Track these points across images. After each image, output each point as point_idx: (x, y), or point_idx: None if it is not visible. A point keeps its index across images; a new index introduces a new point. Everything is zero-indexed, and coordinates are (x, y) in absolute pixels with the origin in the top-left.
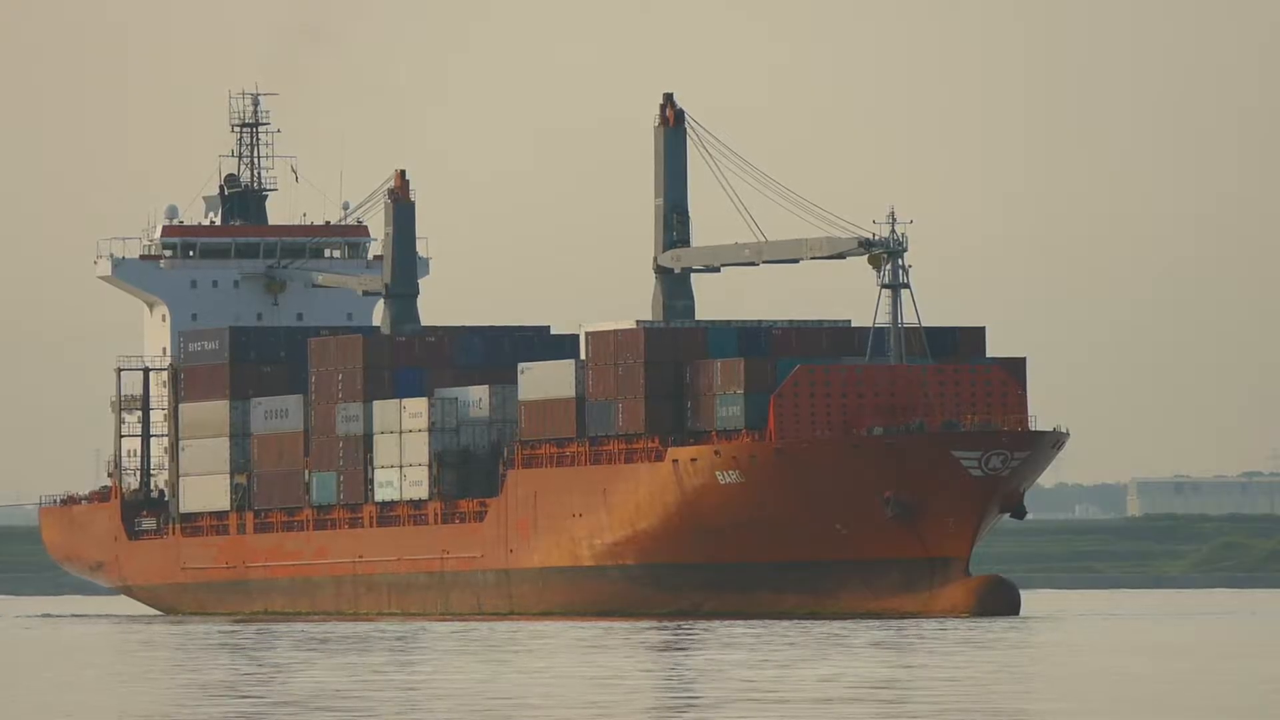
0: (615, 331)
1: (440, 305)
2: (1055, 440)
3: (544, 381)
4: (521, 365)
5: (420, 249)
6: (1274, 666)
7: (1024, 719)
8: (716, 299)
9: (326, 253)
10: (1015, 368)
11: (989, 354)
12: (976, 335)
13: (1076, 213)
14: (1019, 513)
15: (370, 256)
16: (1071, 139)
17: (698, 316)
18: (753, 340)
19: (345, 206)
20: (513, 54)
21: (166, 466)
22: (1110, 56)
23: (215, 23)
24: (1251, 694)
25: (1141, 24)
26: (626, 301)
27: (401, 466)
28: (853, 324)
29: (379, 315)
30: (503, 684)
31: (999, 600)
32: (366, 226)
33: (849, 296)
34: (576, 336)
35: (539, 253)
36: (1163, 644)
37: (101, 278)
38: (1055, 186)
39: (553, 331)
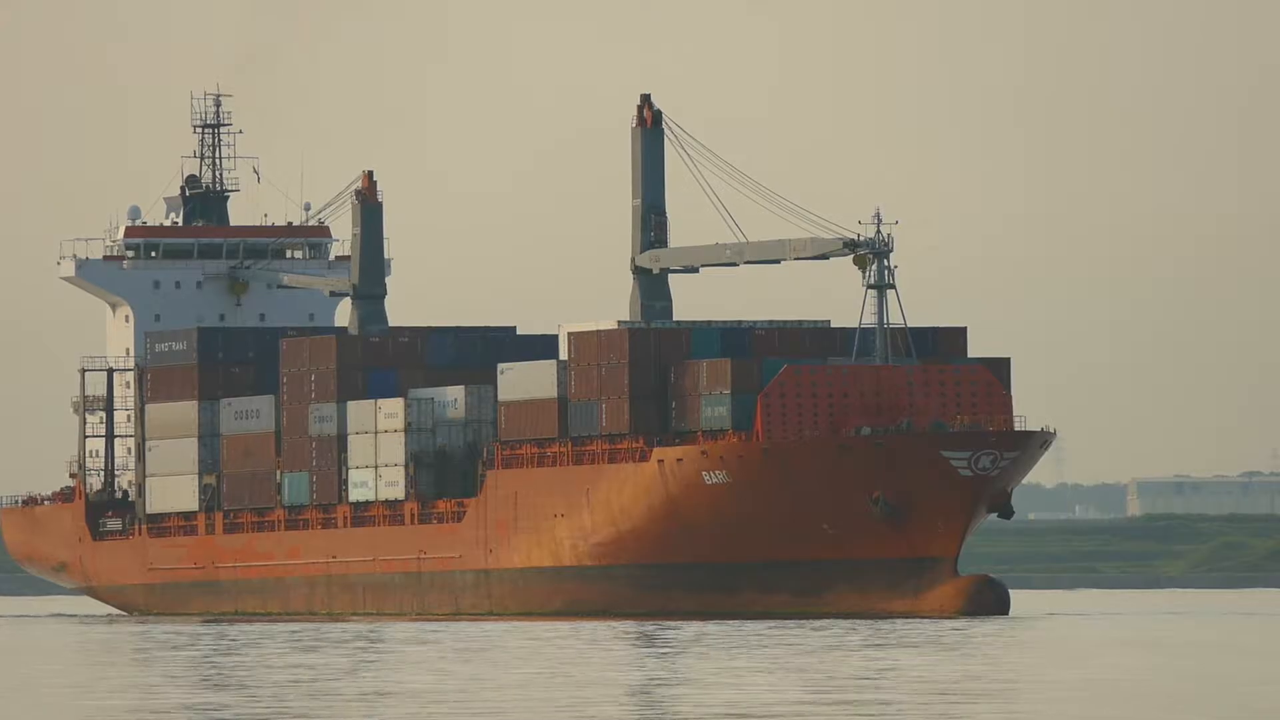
0: (598, 332)
1: (404, 306)
2: (1043, 440)
3: (525, 382)
4: (501, 366)
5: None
6: (1220, 668)
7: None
8: (693, 300)
9: (288, 253)
10: (1000, 368)
11: (971, 354)
12: (957, 336)
13: (1077, 212)
14: (1006, 512)
15: (332, 257)
16: (1068, 136)
17: (675, 317)
18: (736, 341)
19: (307, 207)
20: (486, 53)
21: (131, 467)
22: (1101, 52)
23: (183, 23)
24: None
25: (1137, 18)
26: (600, 302)
27: (377, 467)
28: (832, 324)
29: (342, 316)
30: (478, 684)
31: (988, 600)
32: (328, 227)
33: (826, 297)
34: (547, 336)
35: (508, 253)
36: (1124, 644)
37: (64, 279)
38: (1056, 186)
39: (519, 332)
